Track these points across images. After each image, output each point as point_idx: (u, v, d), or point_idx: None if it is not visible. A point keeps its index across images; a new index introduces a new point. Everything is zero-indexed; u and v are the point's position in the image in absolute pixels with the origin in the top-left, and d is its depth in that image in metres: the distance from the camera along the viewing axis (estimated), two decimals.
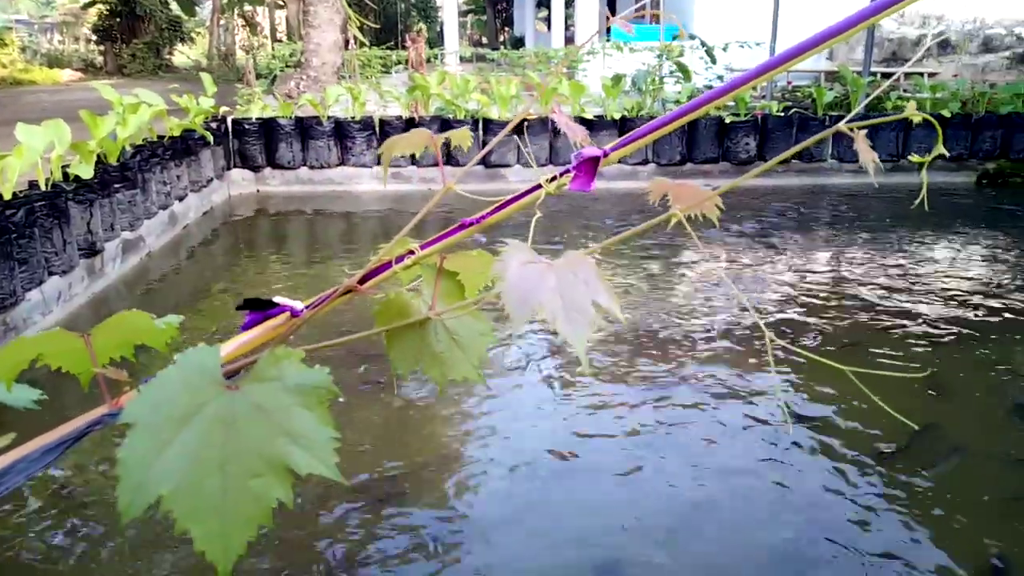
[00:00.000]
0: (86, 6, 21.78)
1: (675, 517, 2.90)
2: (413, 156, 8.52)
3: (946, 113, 8.84)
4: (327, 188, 8.60)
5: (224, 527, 0.83)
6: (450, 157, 8.52)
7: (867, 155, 0.94)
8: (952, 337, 4.49)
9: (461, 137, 1.22)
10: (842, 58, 13.36)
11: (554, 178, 1.05)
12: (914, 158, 1.04)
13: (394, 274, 1.06)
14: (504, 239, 0.86)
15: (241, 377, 0.90)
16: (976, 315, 4.83)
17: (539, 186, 1.05)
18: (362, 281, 1.03)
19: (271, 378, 0.89)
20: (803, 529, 2.82)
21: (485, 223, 1.09)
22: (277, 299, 1.02)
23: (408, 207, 8.10)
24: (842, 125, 0.94)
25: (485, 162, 8.48)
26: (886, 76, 10.91)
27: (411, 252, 1.05)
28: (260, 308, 1.02)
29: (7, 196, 4.40)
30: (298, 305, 1.02)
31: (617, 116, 9.04)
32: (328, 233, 7.47)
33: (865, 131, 0.96)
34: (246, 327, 1.01)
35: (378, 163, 8.54)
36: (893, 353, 4.26)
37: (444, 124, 8.55)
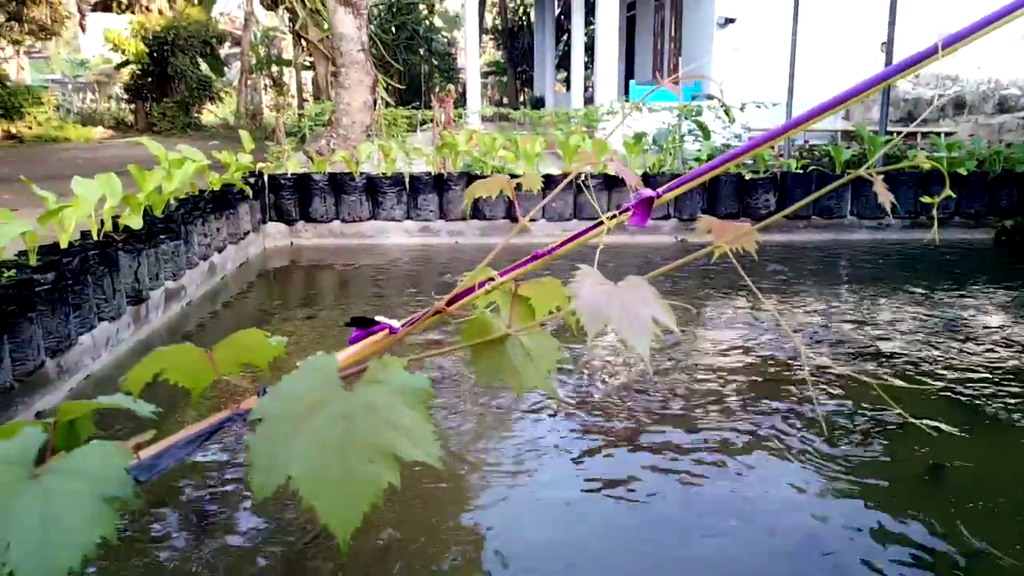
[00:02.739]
0: (119, 66, 22.51)
1: None
2: (442, 210, 8.79)
3: (963, 171, 8.99)
4: (358, 241, 8.84)
5: (344, 503, 0.98)
6: (477, 210, 8.76)
7: (885, 196, 1.11)
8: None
9: (530, 180, 1.40)
10: (858, 118, 13.63)
11: (614, 216, 1.23)
12: (925, 199, 1.21)
13: (475, 298, 1.23)
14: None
15: (354, 380, 1.07)
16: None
17: (600, 223, 1.23)
18: (449, 303, 1.20)
19: (380, 381, 1.06)
20: None
21: (556, 254, 1.26)
22: (378, 318, 1.19)
23: (436, 259, 8.33)
24: (862, 171, 1.11)
25: (511, 216, 8.71)
26: (909, 136, 11.13)
27: (491, 279, 1.22)
28: (364, 326, 1.19)
29: (64, 245, 4.64)
30: (395, 324, 1.19)
31: (639, 172, 9.28)
32: (359, 283, 7.67)
33: (883, 176, 1.13)
34: (352, 341, 1.18)
35: (408, 217, 8.79)
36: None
37: (471, 179, 8.81)
